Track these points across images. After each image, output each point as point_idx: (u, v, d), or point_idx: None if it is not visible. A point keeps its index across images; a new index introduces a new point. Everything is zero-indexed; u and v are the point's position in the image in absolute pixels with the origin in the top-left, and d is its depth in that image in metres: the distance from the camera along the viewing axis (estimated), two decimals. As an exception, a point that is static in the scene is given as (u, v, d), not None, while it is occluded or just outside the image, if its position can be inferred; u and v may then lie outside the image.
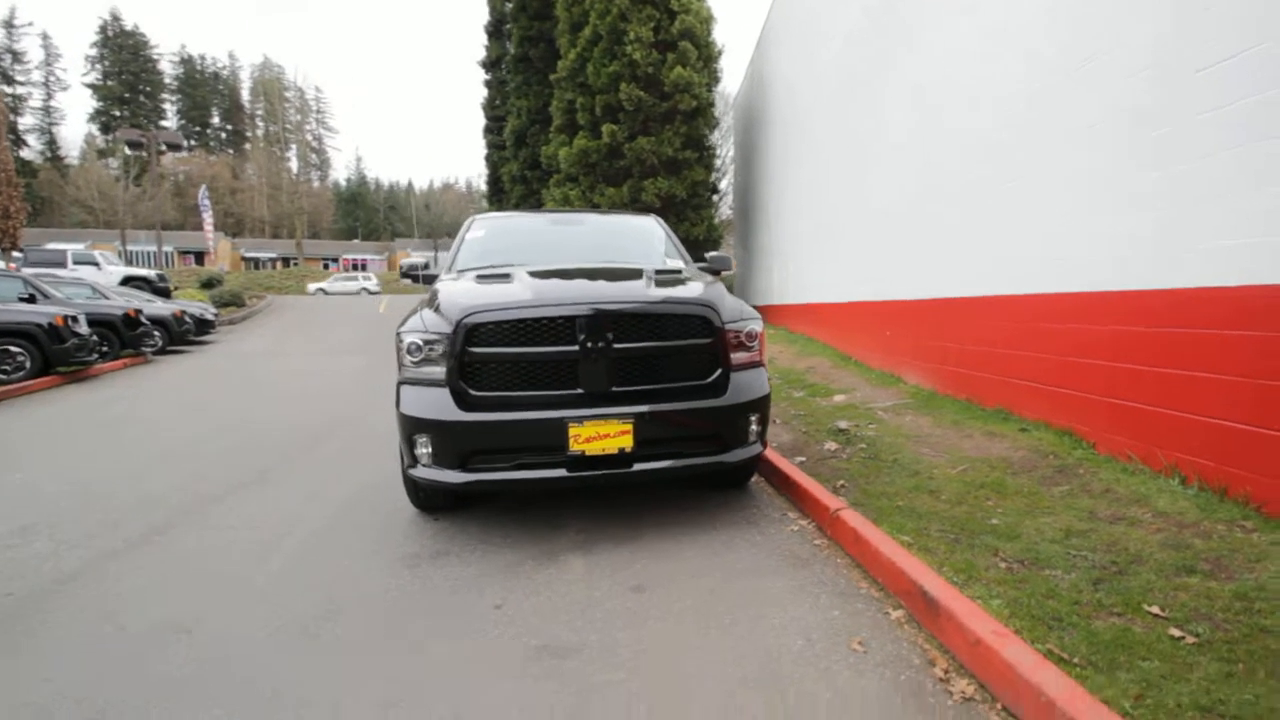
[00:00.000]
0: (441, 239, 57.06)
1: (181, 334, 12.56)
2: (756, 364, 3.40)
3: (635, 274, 3.39)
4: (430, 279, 4.38)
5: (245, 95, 71.16)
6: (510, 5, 18.53)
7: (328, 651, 2.25)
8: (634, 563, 2.90)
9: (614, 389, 3.01)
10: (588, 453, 2.91)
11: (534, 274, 3.35)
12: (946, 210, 5.75)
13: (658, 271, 3.58)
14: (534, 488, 3.02)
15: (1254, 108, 2.89)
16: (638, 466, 3.02)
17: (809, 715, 1.84)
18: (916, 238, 6.28)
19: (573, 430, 2.88)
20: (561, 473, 2.96)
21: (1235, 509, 2.89)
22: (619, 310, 2.99)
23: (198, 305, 14.75)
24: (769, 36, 13.20)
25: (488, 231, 4.60)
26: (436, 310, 3.17)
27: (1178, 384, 3.30)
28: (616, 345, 2.97)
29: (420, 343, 3.07)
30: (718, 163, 15.15)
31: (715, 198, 15.61)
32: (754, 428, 3.29)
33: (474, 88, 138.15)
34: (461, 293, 3.24)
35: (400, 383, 3.21)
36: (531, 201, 17.68)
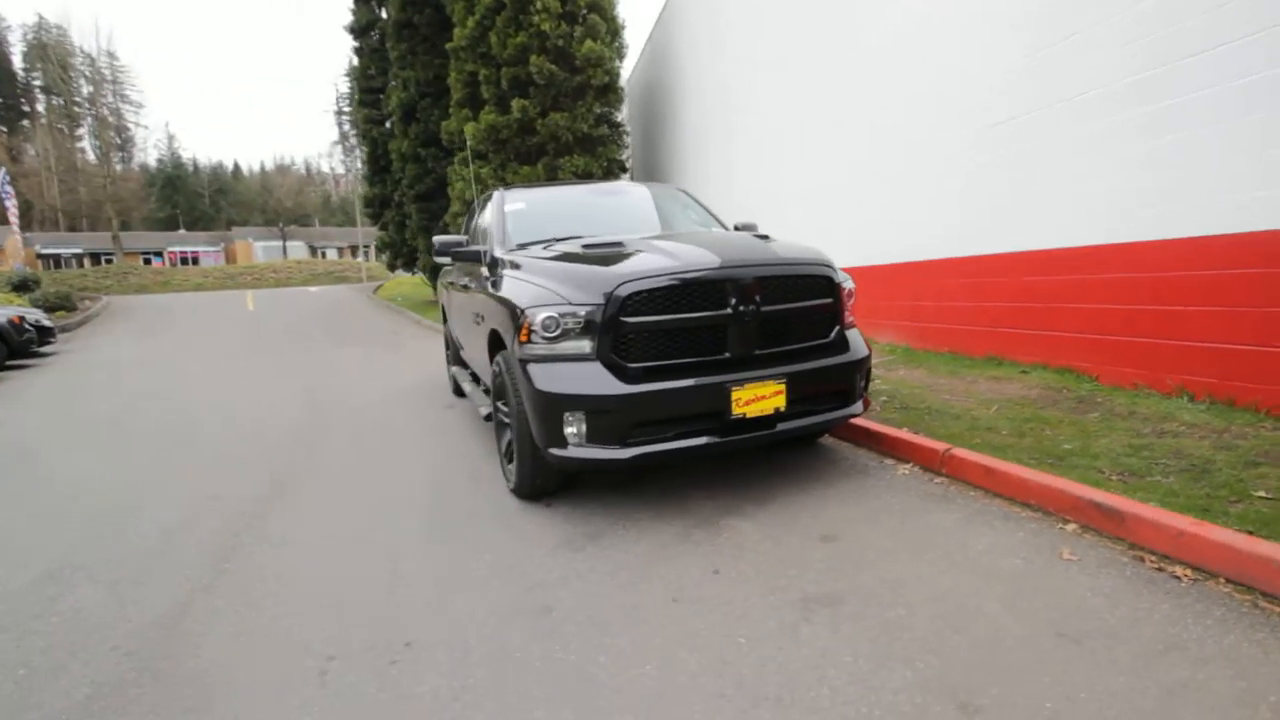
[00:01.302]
0: (290, 226, 51.82)
1: (23, 345, 10.46)
2: (853, 323, 3.60)
3: (751, 236, 3.43)
4: (474, 255, 4.10)
5: (18, 62, 59.20)
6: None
7: (585, 633, 2.14)
8: (798, 518, 3.00)
9: (757, 351, 3.06)
10: (749, 415, 2.95)
11: (657, 239, 3.28)
12: (925, 176, 6.28)
13: (755, 235, 3.64)
14: (689, 456, 3.00)
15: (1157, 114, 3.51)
16: (781, 426, 3.10)
17: (1093, 611, 2.07)
18: (887, 205, 6.78)
19: (735, 394, 2.91)
20: (714, 439, 2.97)
21: (1248, 415, 3.55)
22: (767, 273, 3.04)
23: (30, 311, 12.32)
24: (679, 3, 13.33)
25: (528, 204, 4.39)
26: (564, 281, 3.01)
27: (1176, 319, 3.96)
28: (764, 308, 3.01)
29: (557, 316, 2.91)
30: (628, 139, 15.11)
31: (626, 176, 15.60)
32: (861, 383, 3.49)
33: (309, 55, 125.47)
34: (589, 262, 3.12)
35: (526, 361, 3.02)
36: (429, 183, 16.56)
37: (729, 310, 2.95)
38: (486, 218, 4.73)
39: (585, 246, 3.39)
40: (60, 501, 3.94)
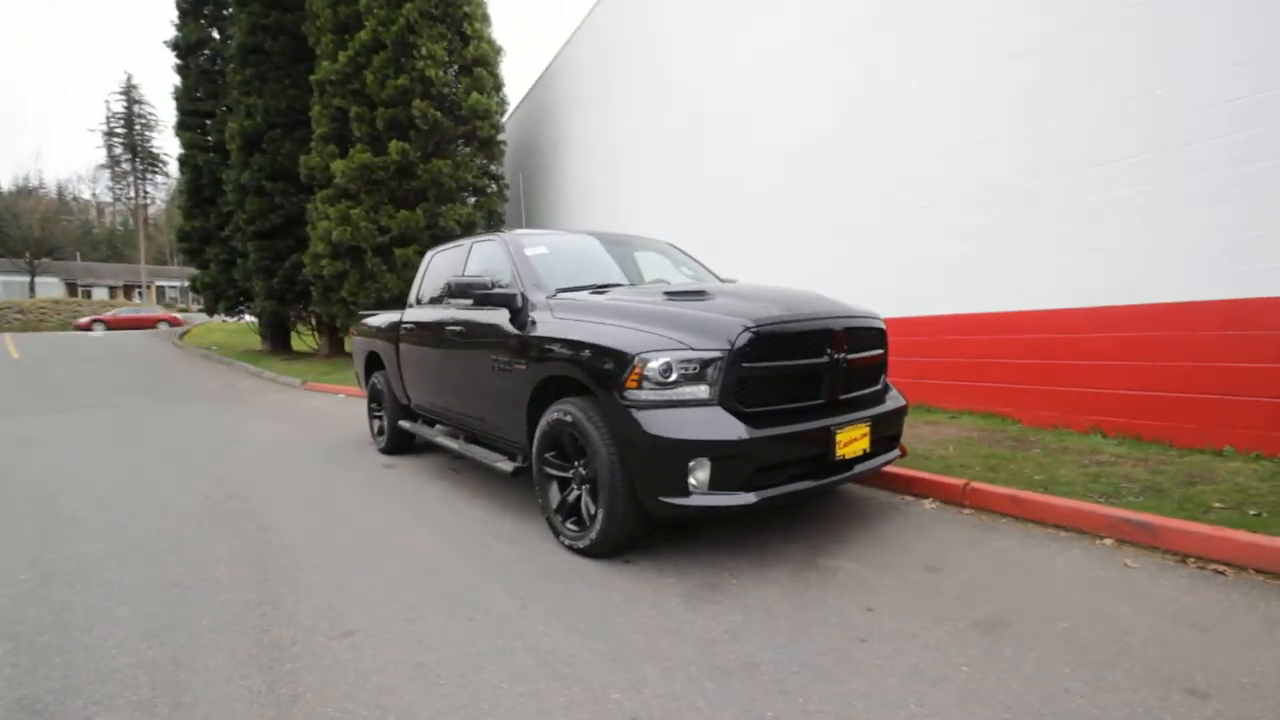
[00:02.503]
0: (42, 260, 42.79)
1: None
2: (885, 374, 3.98)
3: (813, 291, 3.69)
4: (504, 299, 3.86)
5: None
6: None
7: (818, 685, 2.11)
8: (885, 553, 3.19)
9: (841, 397, 3.27)
10: (846, 457, 3.12)
11: (736, 289, 3.39)
12: (852, 240, 7.11)
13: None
14: (798, 498, 3.08)
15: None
16: (858, 468, 3.31)
17: (1195, 605, 2.50)
18: (807, 268, 7.53)
19: (838, 436, 3.06)
20: (817, 481, 3.10)
21: (1155, 447, 4.49)
22: (853, 324, 3.30)
23: None
24: (567, 63, 13.76)
25: (550, 249, 4.26)
26: (676, 327, 3.00)
27: (1088, 371, 4.92)
28: (849, 355, 3.25)
29: (674, 361, 2.88)
30: (507, 192, 15.00)
31: (505, 227, 15.42)
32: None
33: (57, 63, 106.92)
34: (693, 308, 3.15)
35: (634, 408, 2.92)
36: (275, 219, 14.82)
37: (826, 358, 3.14)
38: (483, 262, 4.50)
39: (668, 294, 3.39)
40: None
